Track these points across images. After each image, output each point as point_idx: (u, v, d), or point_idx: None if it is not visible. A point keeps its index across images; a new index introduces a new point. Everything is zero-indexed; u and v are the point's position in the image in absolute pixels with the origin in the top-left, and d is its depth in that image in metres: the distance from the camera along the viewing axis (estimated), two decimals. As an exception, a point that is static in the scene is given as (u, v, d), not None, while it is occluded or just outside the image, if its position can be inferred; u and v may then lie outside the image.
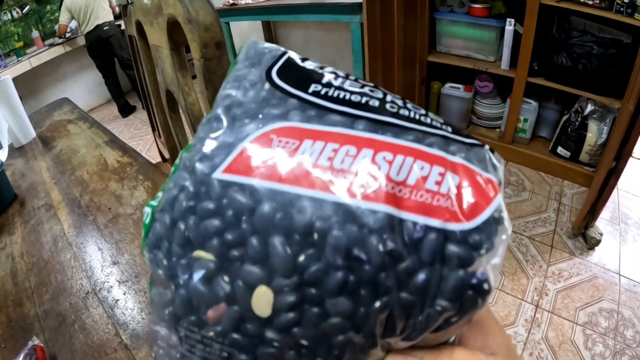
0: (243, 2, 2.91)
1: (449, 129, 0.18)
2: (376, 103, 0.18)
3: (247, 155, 0.16)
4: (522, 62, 1.82)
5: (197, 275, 0.16)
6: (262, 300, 0.15)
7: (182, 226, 0.17)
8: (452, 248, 0.15)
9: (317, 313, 0.15)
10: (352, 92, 0.18)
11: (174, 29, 0.68)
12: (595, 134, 1.77)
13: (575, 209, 1.80)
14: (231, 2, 2.95)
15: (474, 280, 0.15)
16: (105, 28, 3.17)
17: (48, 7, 3.69)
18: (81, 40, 3.65)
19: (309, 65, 0.20)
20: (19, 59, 3.34)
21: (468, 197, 0.15)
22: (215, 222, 0.16)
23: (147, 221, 0.19)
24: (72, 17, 3.21)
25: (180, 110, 0.85)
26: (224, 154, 0.17)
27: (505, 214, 0.16)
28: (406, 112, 0.18)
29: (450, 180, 0.15)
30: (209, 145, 0.17)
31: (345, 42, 3.14)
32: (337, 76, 0.19)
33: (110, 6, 3.34)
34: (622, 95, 1.51)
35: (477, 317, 0.18)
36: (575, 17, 1.69)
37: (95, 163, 0.95)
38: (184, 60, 0.75)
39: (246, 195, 0.15)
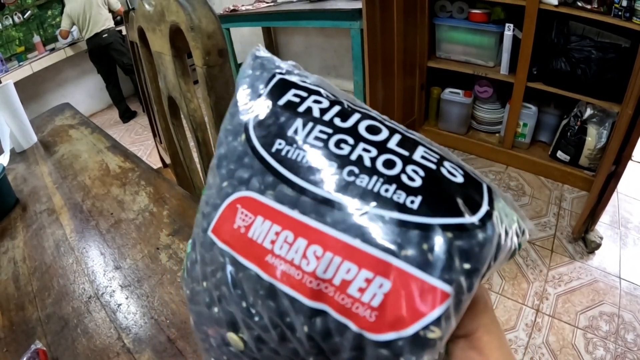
0: (243, 8, 2.93)
1: (417, 201, 0.15)
2: (333, 169, 0.17)
3: (223, 220, 0.19)
4: (521, 67, 1.83)
5: (203, 300, 0.21)
6: (234, 341, 0.19)
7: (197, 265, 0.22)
8: (371, 349, 0.15)
9: (272, 348, 0.18)
10: (313, 150, 0.18)
11: (176, 36, 0.69)
12: (594, 138, 1.77)
13: (575, 213, 1.80)
14: (232, 8, 2.97)
15: None
16: (104, 36, 3.19)
17: (49, 12, 3.71)
18: (83, 45, 3.67)
19: (290, 97, 0.20)
20: (20, 63, 3.36)
21: (392, 309, 0.14)
22: (203, 269, 0.21)
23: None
24: (73, 23, 3.24)
25: (182, 117, 0.86)
26: (213, 214, 0.20)
27: (442, 330, 0.14)
28: (364, 182, 0.16)
29: (377, 288, 0.14)
30: (206, 202, 0.21)
31: (345, 48, 3.16)
32: (309, 120, 0.19)
33: (115, 10, 3.36)
34: (621, 99, 1.52)
35: (478, 343, 0.18)
36: (574, 21, 1.70)
37: (97, 168, 0.96)
38: (186, 67, 0.75)
39: (218, 255, 0.19)
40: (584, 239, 1.66)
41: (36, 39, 3.55)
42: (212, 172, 0.22)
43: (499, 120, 2.19)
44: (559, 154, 1.95)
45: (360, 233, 0.15)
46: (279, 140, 0.19)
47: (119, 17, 3.45)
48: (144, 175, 0.90)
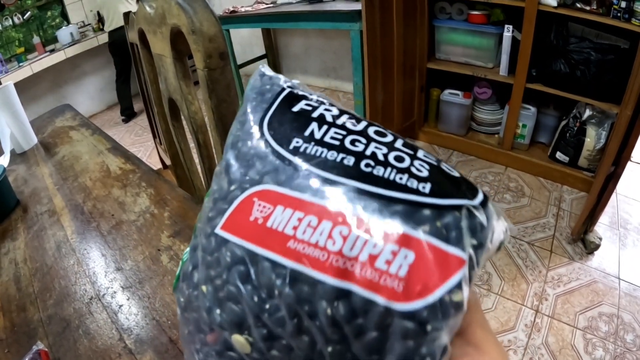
0: (243, 10, 2.93)
1: (427, 187, 0.17)
2: (351, 161, 0.18)
3: (236, 216, 0.19)
4: (520, 68, 1.83)
5: (203, 304, 0.20)
6: (239, 344, 0.19)
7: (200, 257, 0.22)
8: (397, 323, 0.15)
9: (284, 345, 0.18)
10: (330, 147, 0.19)
11: (177, 39, 0.69)
12: (593, 139, 1.78)
13: (575, 214, 1.81)
14: (231, 9, 2.97)
15: (417, 358, 0.15)
16: None
17: (49, 13, 3.72)
18: (83, 47, 3.68)
19: (303, 105, 0.21)
20: (20, 64, 3.36)
21: (418, 277, 0.15)
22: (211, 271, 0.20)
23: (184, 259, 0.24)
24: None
25: (183, 119, 0.86)
26: (222, 214, 0.20)
27: (464, 293, 0.15)
28: (380, 171, 0.18)
29: (403, 259, 0.15)
30: (210, 207, 0.21)
31: (345, 49, 3.16)
32: (323, 123, 0.20)
33: None
34: (620, 100, 1.53)
35: (473, 338, 0.18)
36: (573, 23, 1.71)
37: (98, 170, 0.96)
38: (187, 69, 0.76)
39: (227, 253, 0.19)
40: (583, 239, 1.66)
41: (36, 40, 3.55)
42: (219, 178, 0.22)
43: (498, 122, 2.19)
44: (558, 155, 1.96)
45: (383, 214, 0.16)
46: (296, 139, 0.20)
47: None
48: (145, 177, 0.90)
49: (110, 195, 0.85)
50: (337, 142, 0.19)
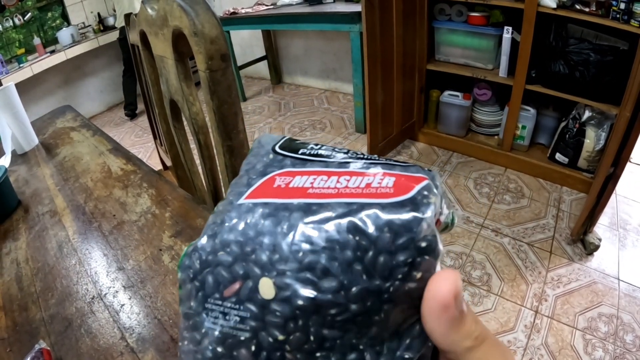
0: (243, 11, 2.94)
1: (391, 161, 0.24)
2: (339, 157, 0.25)
3: (259, 189, 0.24)
4: (520, 69, 1.84)
5: (225, 260, 0.23)
6: (267, 287, 0.21)
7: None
8: (393, 212, 0.21)
9: (309, 279, 0.20)
10: (324, 153, 0.26)
11: (179, 40, 0.70)
12: (593, 140, 1.78)
13: (574, 215, 1.81)
14: (231, 10, 2.98)
15: (414, 235, 0.20)
16: None
17: (49, 14, 3.72)
18: (83, 48, 3.69)
19: (299, 141, 0.28)
20: (21, 65, 3.36)
21: (400, 185, 0.22)
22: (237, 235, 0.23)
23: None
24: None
25: (184, 120, 0.87)
26: (245, 189, 0.25)
27: (434, 190, 0.22)
28: (360, 157, 0.25)
29: (388, 181, 0.22)
30: (233, 189, 0.26)
31: (345, 51, 3.17)
32: (323, 146, 0.27)
33: None
34: (619, 101, 1.53)
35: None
36: (572, 24, 1.71)
37: (99, 170, 0.96)
38: (189, 71, 0.76)
39: (261, 207, 0.23)
40: (582, 240, 1.67)
41: (36, 40, 3.55)
42: (236, 181, 0.27)
43: (497, 123, 2.20)
44: (558, 156, 1.96)
45: (370, 166, 0.23)
46: (302, 149, 0.26)
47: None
48: (146, 177, 0.90)
49: (112, 196, 0.85)
50: (328, 152, 0.26)
